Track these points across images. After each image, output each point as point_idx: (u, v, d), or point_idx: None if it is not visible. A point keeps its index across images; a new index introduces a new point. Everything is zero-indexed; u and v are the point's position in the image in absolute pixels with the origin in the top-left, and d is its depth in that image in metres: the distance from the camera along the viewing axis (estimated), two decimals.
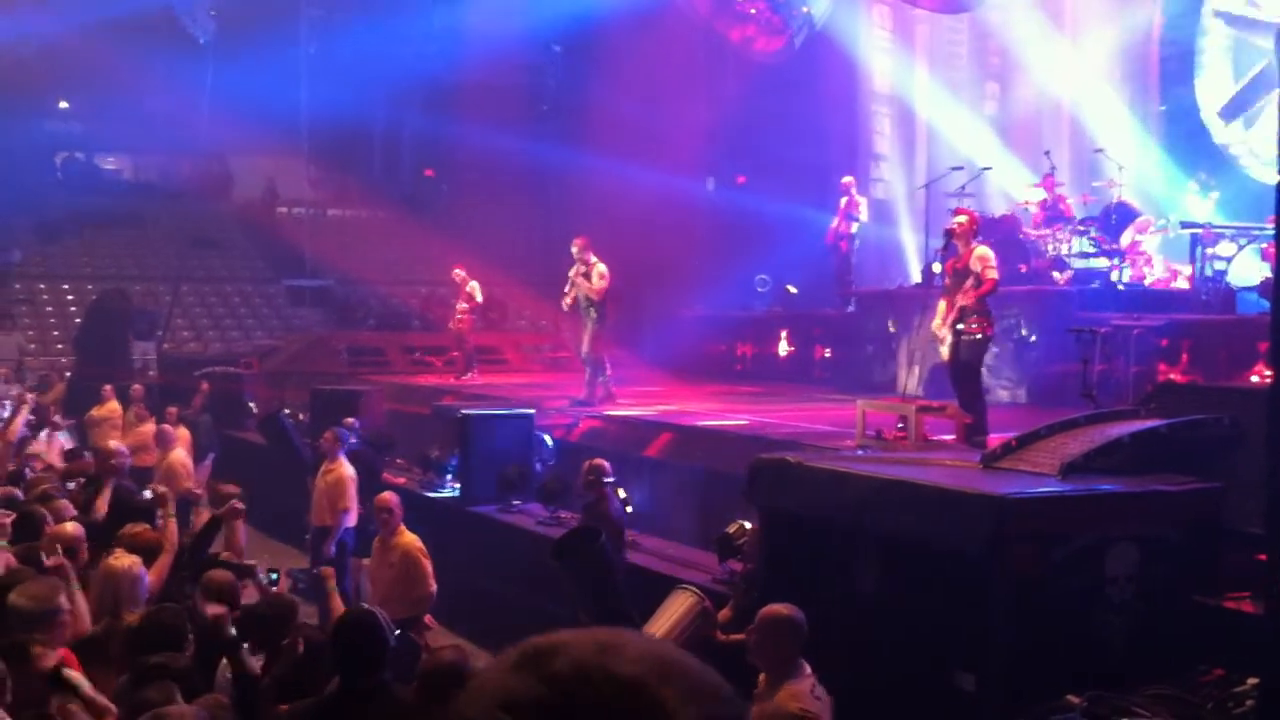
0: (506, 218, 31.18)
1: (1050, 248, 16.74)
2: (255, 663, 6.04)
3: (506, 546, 12.54)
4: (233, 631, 6.05)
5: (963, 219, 10.74)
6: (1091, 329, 11.94)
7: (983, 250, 10.63)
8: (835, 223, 19.13)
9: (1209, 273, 15.20)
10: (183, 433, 15.85)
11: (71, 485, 9.87)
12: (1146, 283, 16.46)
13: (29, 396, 12.13)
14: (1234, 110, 18.85)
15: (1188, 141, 19.34)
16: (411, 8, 32.64)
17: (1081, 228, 16.79)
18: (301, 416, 16.60)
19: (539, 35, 30.38)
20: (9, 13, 31.54)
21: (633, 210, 24.43)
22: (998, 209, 18.49)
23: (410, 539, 9.75)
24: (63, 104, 36.76)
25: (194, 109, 33.67)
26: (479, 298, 20.26)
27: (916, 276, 19.21)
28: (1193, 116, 19.44)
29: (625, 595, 8.05)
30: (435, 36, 32.33)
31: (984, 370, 11.33)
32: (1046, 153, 17.83)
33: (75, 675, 5.12)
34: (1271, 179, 16.91)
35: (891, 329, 16.99)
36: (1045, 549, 6.74)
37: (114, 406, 18.09)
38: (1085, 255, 16.73)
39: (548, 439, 14.23)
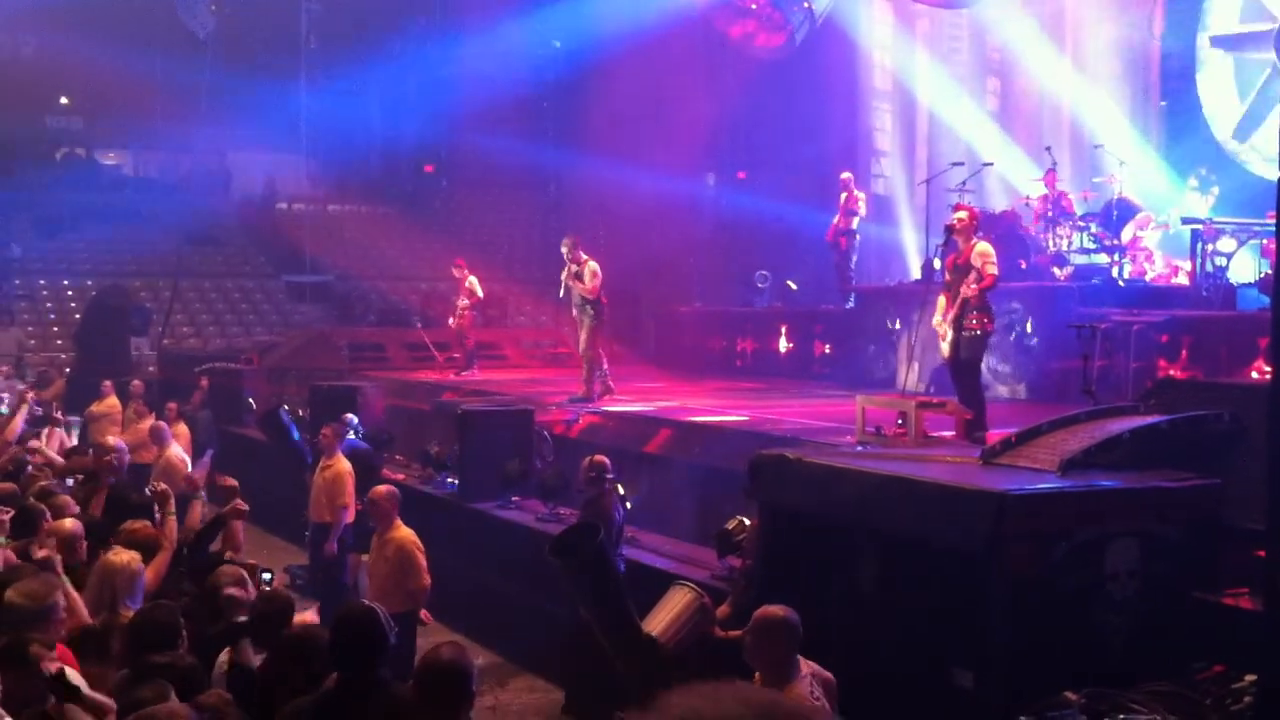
0: (506, 213, 31.21)
1: (1051, 243, 16.73)
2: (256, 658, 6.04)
3: (506, 543, 12.54)
4: (243, 618, 6.04)
5: (963, 215, 10.73)
6: (1092, 325, 11.92)
7: (983, 246, 10.61)
8: (835, 219, 19.11)
9: (1209, 269, 15.17)
10: (181, 429, 15.85)
11: (70, 481, 9.86)
12: (1147, 279, 16.45)
13: (30, 395, 12.10)
14: (1246, 129, 18.82)
15: (1188, 137, 19.32)
16: (411, 6, 32.66)
17: (1082, 223, 16.78)
18: (301, 412, 16.60)
19: (540, 32, 30.38)
20: (9, 10, 31.52)
21: (633, 206, 24.46)
22: (998, 205, 18.47)
23: (405, 533, 9.75)
24: (63, 100, 36.75)
25: (194, 105, 33.65)
26: (479, 293, 20.25)
27: (917, 273, 19.19)
28: (1194, 112, 19.43)
29: (624, 592, 8.04)
30: (434, 23, 32.34)
31: (984, 366, 11.32)
32: (1047, 148, 17.80)
33: (75, 677, 5.12)
34: (1272, 175, 16.91)
35: (892, 325, 16.98)
36: (1045, 546, 6.73)
37: (113, 402, 18.09)
38: (1086, 251, 16.72)
39: (547, 435, 14.22)
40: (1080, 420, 8.23)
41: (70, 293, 28.47)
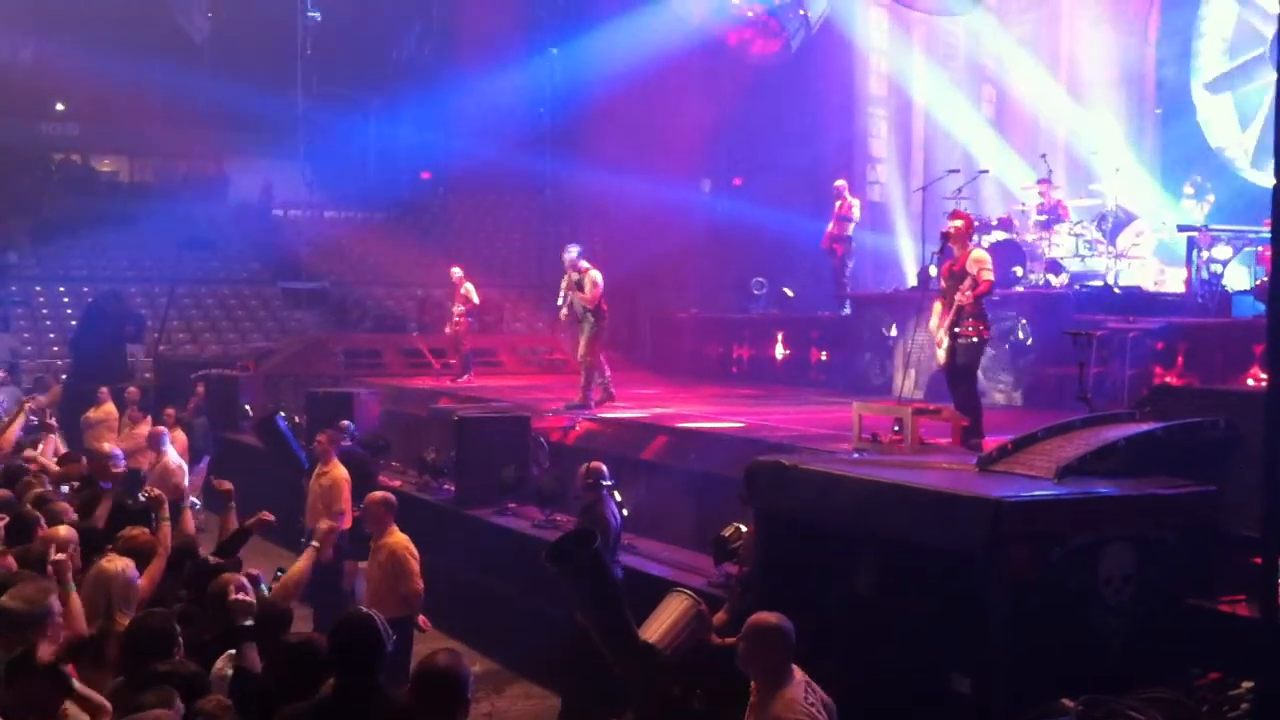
0: (503, 219, 31.22)
1: (1046, 250, 16.75)
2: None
3: (502, 549, 12.53)
4: (248, 622, 6.03)
5: (959, 222, 10.75)
6: (1087, 332, 11.93)
7: (978, 253, 10.64)
8: (830, 226, 19.14)
9: (1205, 276, 15.19)
10: (177, 435, 15.84)
11: (66, 489, 9.85)
12: (1143, 286, 16.47)
13: (30, 404, 12.08)
14: (1221, 85, 18.85)
15: (1184, 144, 19.36)
16: (409, 14, 32.69)
17: (1078, 230, 16.80)
18: (298, 419, 16.59)
19: (537, 41, 30.42)
20: (6, 16, 31.54)
21: (629, 213, 24.48)
22: (994, 211, 18.50)
23: (399, 538, 9.75)
24: (59, 106, 36.76)
25: (191, 111, 33.67)
26: (475, 299, 20.26)
27: (913, 279, 19.21)
28: (1189, 119, 19.46)
29: (621, 598, 8.04)
30: (431, 37, 32.40)
31: (980, 373, 11.33)
32: (1043, 156, 17.84)
33: (66, 671, 5.12)
34: (1267, 182, 16.94)
35: (888, 332, 17.00)
36: (1041, 552, 6.73)
37: (110, 409, 18.08)
38: (1081, 258, 16.74)
39: (544, 441, 14.22)
40: (1076, 427, 8.23)
41: (66, 299, 28.44)
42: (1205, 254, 15.21)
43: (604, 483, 10.13)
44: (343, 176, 34.27)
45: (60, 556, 6.55)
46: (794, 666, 5.91)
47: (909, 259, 21.25)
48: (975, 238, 11.19)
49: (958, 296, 10.47)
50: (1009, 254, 16.14)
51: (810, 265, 20.81)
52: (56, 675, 4.94)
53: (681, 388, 18.76)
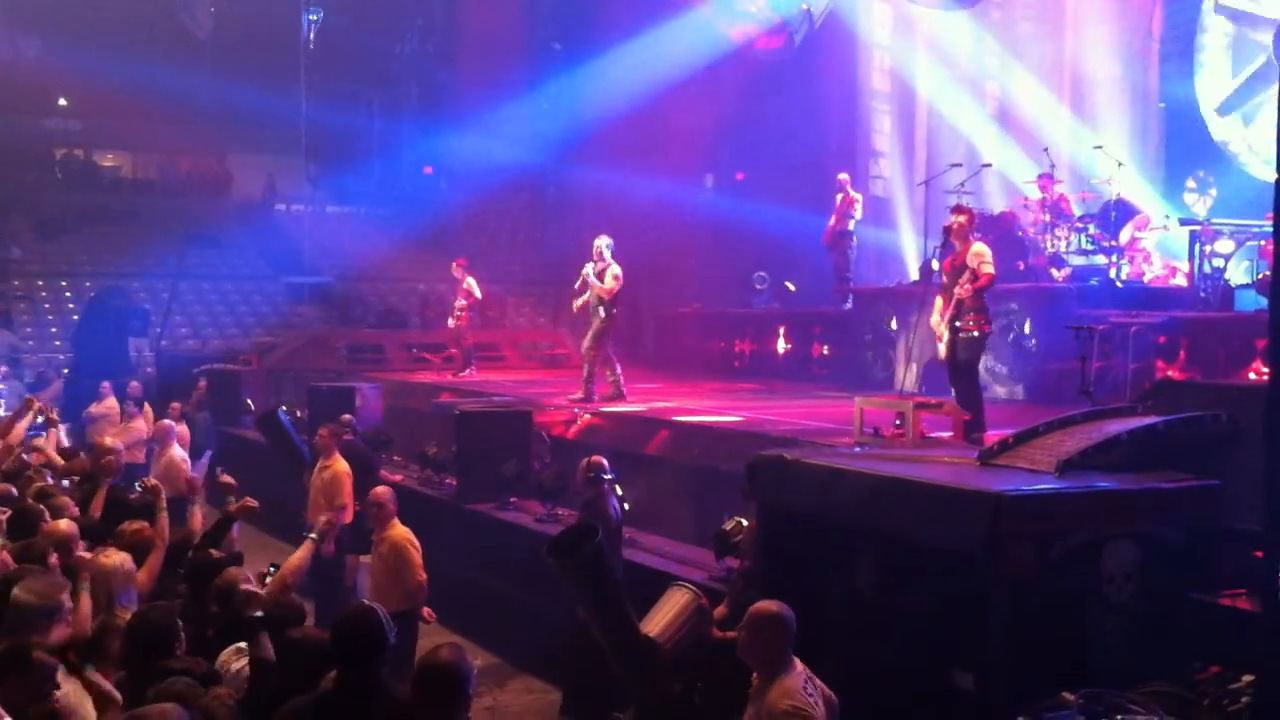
0: (505, 215, 31.22)
1: (1049, 245, 16.74)
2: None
3: (504, 544, 12.54)
4: (258, 613, 6.04)
5: (961, 217, 10.74)
6: (1090, 326, 11.94)
7: (979, 247, 10.63)
8: (831, 221, 19.12)
9: (1207, 270, 15.19)
10: (180, 429, 15.85)
11: (66, 483, 9.85)
12: (1145, 280, 16.47)
13: (38, 404, 12.07)
14: (1231, 105, 18.84)
15: (1186, 138, 19.33)
16: (411, 4, 32.68)
17: (1080, 225, 16.79)
18: (300, 413, 16.60)
19: (538, 35, 30.41)
20: (9, 13, 31.55)
21: (631, 208, 24.46)
22: (997, 206, 18.49)
23: (400, 531, 9.78)
24: (62, 102, 36.76)
25: (193, 106, 33.68)
26: (477, 294, 20.25)
27: (915, 274, 19.20)
28: (1192, 114, 19.43)
29: (622, 593, 8.04)
30: (434, 32, 32.39)
31: (982, 367, 11.32)
32: (1045, 150, 17.81)
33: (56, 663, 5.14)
34: (1270, 176, 16.91)
35: (889, 326, 16.99)
36: (1042, 547, 6.73)
37: (112, 403, 18.10)
38: (1084, 252, 16.73)
39: (545, 436, 14.22)
40: (1078, 421, 8.22)
41: (69, 294, 28.47)
42: (1208, 248, 15.21)
43: (605, 477, 10.14)
44: (345, 172, 34.27)
45: (83, 555, 6.58)
46: (795, 659, 5.91)
47: (911, 253, 21.23)
48: (977, 232, 11.16)
49: (957, 290, 10.46)
50: (1011, 248, 16.13)
51: (812, 260, 20.79)
52: (48, 668, 4.94)
53: (683, 382, 18.76)
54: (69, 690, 5.13)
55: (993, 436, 9.22)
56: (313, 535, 8.35)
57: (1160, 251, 17.10)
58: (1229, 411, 7.59)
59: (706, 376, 19.79)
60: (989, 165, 18.68)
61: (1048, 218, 16.89)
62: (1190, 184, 17.52)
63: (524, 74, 30.61)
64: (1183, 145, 19.34)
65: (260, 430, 15.23)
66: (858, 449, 9.86)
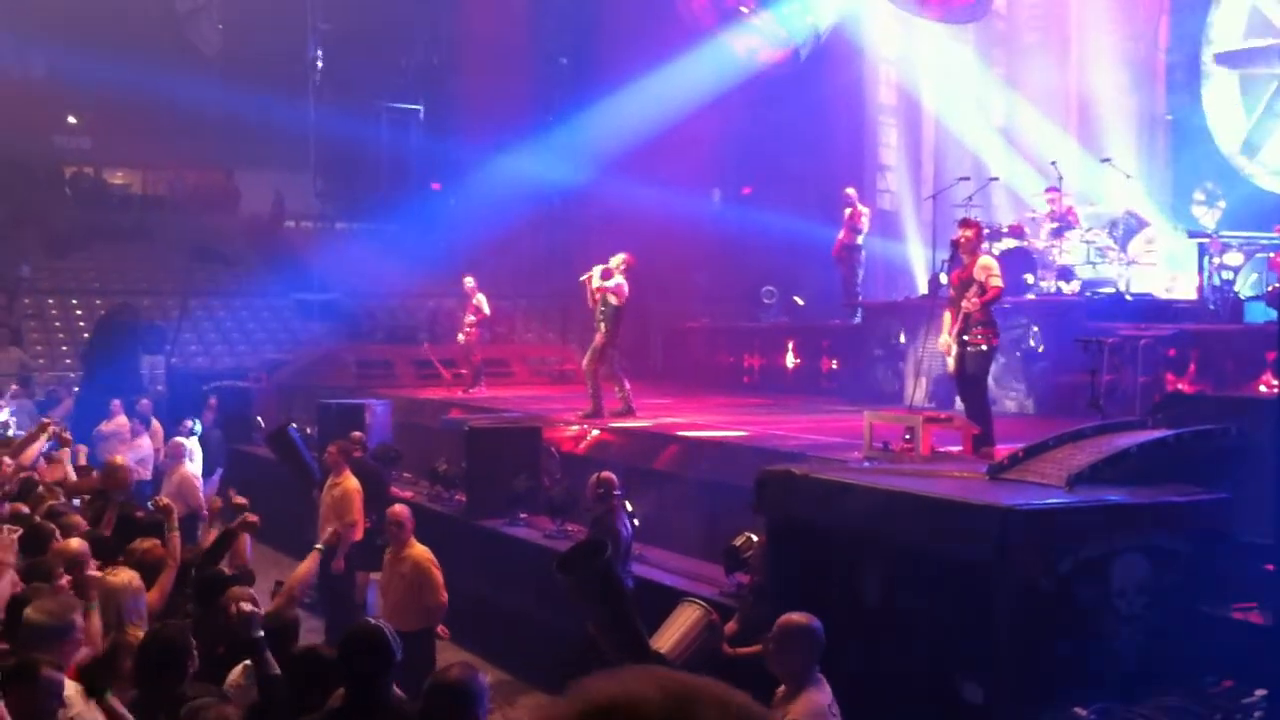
0: (513, 230, 31.22)
1: (1057, 257, 16.72)
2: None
3: (514, 560, 12.53)
4: (260, 633, 6.05)
5: (969, 231, 10.74)
6: (1099, 339, 11.92)
7: (986, 260, 10.63)
8: (841, 235, 19.12)
9: (1216, 282, 15.17)
10: (193, 446, 15.87)
11: (77, 501, 9.87)
12: (1154, 293, 16.43)
13: (52, 428, 12.09)
14: (1254, 145, 18.80)
15: (1195, 151, 19.32)
16: (418, 18, 32.75)
17: (1089, 237, 16.76)
18: (310, 430, 16.61)
19: (544, 49, 30.45)
20: (18, 30, 31.67)
21: (639, 222, 24.45)
22: (1005, 219, 18.47)
23: (421, 550, 9.76)
24: (72, 119, 36.89)
25: (201, 122, 33.77)
26: (486, 310, 20.25)
27: (923, 287, 19.16)
28: (1200, 126, 19.42)
29: (632, 608, 8.03)
30: (441, 48, 32.48)
31: (991, 381, 11.31)
32: (1053, 163, 17.80)
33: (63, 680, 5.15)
34: (1278, 188, 16.92)
35: (898, 340, 16.98)
36: (1052, 560, 6.73)
37: (122, 421, 18.10)
38: (1093, 265, 16.70)
39: (555, 452, 14.22)
40: (1088, 435, 8.23)
41: (79, 312, 28.52)
42: (1216, 260, 15.19)
43: (615, 493, 10.14)
44: (354, 188, 34.31)
45: (93, 574, 6.60)
46: (823, 678, 5.89)
47: (919, 267, 21.21)
48: (985, 245, 11.16)
49: (965, 304, 10.45)
50: (1020, 261, 16.11)
51: (820, 274, 20.79)
52: (55, 684, 4.95)
53: (692, 397, 18.75)
54: (81, 710, 5.14)
55: (1002, 450, 9.22)
56: (319, 546, 8.35)
57: (1169, 264, 17.08)
58: (1239, 424, 7.58)
59: (715, 391, 19.78)
60: (996, 179, 18.68)
61: (1057, 227, 16.86)
62: (1198, 196, 17.50)
63: (530, 89, 30.66)
64: (1190, 157, 19.32)
65: (270, 447, 15.24)
66: (867, 463, 9.87)
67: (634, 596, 8.60)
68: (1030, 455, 8.05)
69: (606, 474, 10.31)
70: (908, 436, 10.38)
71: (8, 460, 10.36)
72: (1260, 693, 6.25)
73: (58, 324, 28.34)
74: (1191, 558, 7.08)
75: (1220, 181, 18.00)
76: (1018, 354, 14.80)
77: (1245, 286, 15.22)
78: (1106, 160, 17.91)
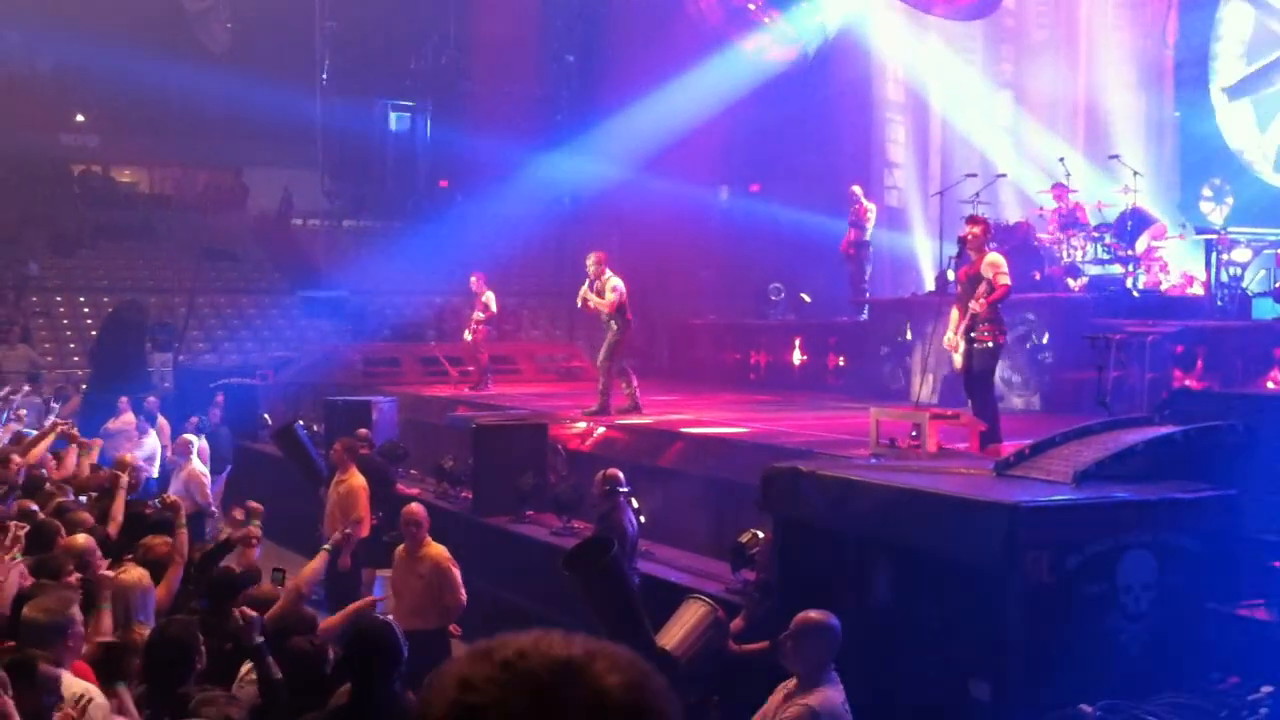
0: (520, 227, 31.24)
1: (1065, 254, 16.70)
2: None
3: (520, 557, 12.54)
4: (259, 638, 6.06)
5: (976, 228, 10.72)
6: (1106, 336, 11.91)
7: (994, 257, 10.60)
8: (850, 234, 19.10)
9: (1224, 279, 15.14)
10: (201, 443, 15.90)
11: (84, 499, 9.89)
12: (1161, 289, 16.41)
13: (60, 427, 12.11)
14: (1242, 90, 18.74)
15: (1203, 148, 19.28)
16: (426, 17, 32.74)
17: (1096, 234, 16.73)
18: (316, 427, 16.62)
19: (552, 48, 30.46)
20: (25, 28, 31.73)
21: (646, 219, 24.48)
22: (1012, 216, 18.45)
23: (439, 550, 9.68)
24: (79, 117, 36.95)
25: (209, 121, 33.81)
26: (494, 308, 20.22)
27: (930, 284, 19.17)
28: (1208, 122, 19.39)
29: (638, 605, 8.04)
30: (448, 46, 32.50)
31: (998, 378, 11.30)
32: (1061, 159, 17.78)
33: (95, 693, 5.16)
34: None
35: (905, 337, 16.97)
36: (1059, 557, 6.72)
37: (129, 418, 18.13)
38: (1100, 262, 16.68)
39: (561, 449, 14.22)
40: (1095, 431, 8.22)
41: (86, 310, 28.57)
42: (1224, 257, 15.16)
43: (621, 490, 10.13)
44: (361, 185, 34.34)
45: (105, 572, 6.61)
46: (836, 676, 5.89)
47: (927, 263, 21.21)
48: (992, 242, 11.14)
49: (972, 304, 10.43)
50: (1027, 258, 16.09)
51: (827, 271, 20.77)
52: (52, 680, 4.96)
53: (699, 394, 18.75)
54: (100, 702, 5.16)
55: (1009, 447, 9.21)
56: (327, 546, 8.36)
57: (1177, 260, 17.05)
58: (1246, 421, 7.57)
59: (722, 388, 19.77)
60: (1004, 175, 18.65)
61: (1064, 224, 16.84)
62: (1206, 192, 17.47)
63: (538, 88, 30.67)
64: (1198, 154, 19.29)
65: (277, 444, 15.27)
66: (873, 460, 9.86)
67: (640, 593, 8.60)
68: (1037, 452, 8.05)
69: (612, 471, 10.31)
70: (914, 433, 10.37)
71: (16, 458, 10.39)
72: (1266, 689, 6.24)
73: (65, 322, 28.40)
74: (1198, 555, 7.06)
75: (1228, 178, 17.96)
76: (1025, 351, 14.79)
77: (1253, 283, 15.19)
78: (1114, 157, 17.88)
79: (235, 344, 28.67)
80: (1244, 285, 15.07)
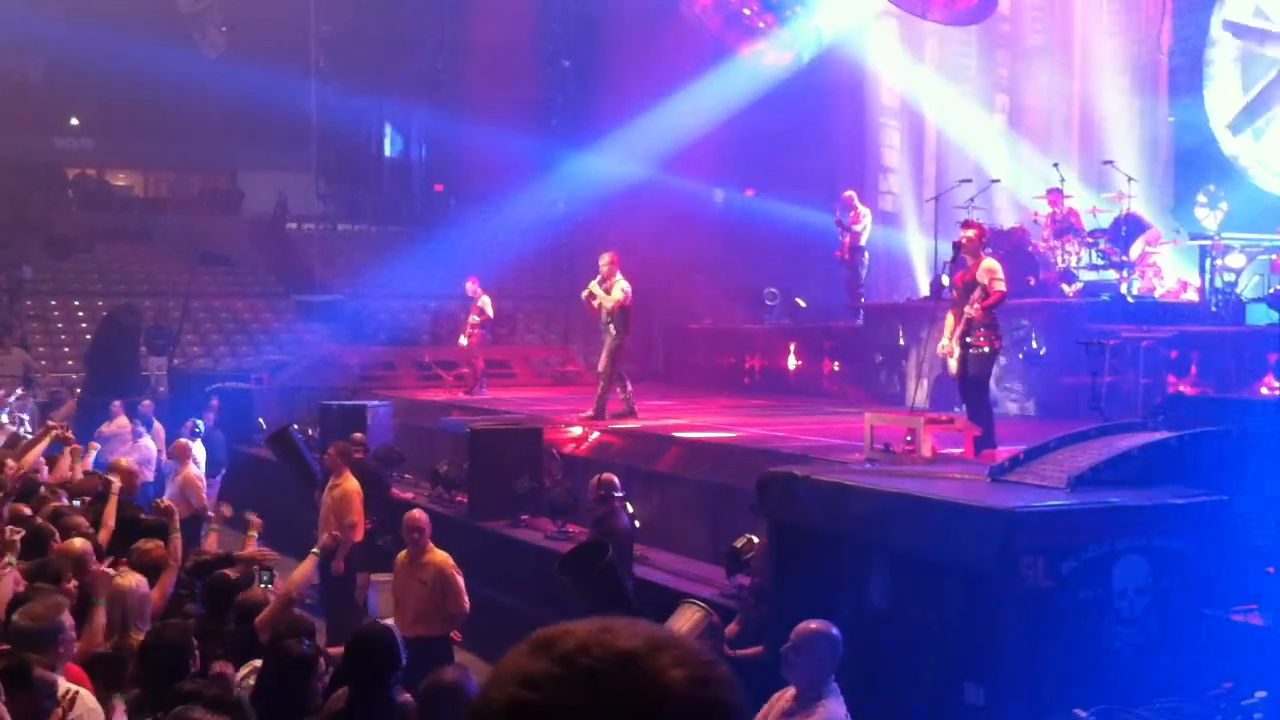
0: (515, 231, 31.26)
1: (1059, 260, 16.71)
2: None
3: (515, 561, 12.54)
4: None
5: (971, 233, 10.74)
6: (1101, 341, 11.93)
7: (990, 262, 10.62)
8: (846, 238, 19.10)
9: (1218, 284, 15.16)
10: (197, 447, 15.87)
11: (78, 503, 9.87)
12: (1156, 295, 16.42)
13: (56, 431, 12.09)
14: (1243, 123, 18.79)
15: (1196, 153, 19.29)
16: (422, 22, 32.76)
17: (1091, 240, 16.75)
18: (311, 431, 16.61)
19: (547, 52, 30.49)
20: (19, 32, 31.70)
21: (642, 223, 24.47)
22: (1007, 221, 18.47)
23: (442, 556, 9.61)
24: (74, 121, 36.94)
25: (204, 124, 33.82)
26: (490, 312, 20.21)
27: (925, 289, 19.16)
28: (1202, 128, 19.39)
29: (634, 610, 8.04)
30: (444, 50, 32.51)
31: (993, 383, 11.31)
32: (1055, 165, 17.81)
33: (90, 699, 5.15)
34: None
35: (900, 342, 16.98)
36: (1054, 562, 6.73)
37: (123, 422, 18.08)
38: (1095, 267, 16.70)
39: (556, 453, 14.22)
40: (1089, 437, 8.23)
41: (81, 314, 28.55)
42: (1219, 262, 15.17)
43: (616, 494, 10.14)
44: (356, 189, 34.36)
45: (100, 571, 6.61)
46: (837, 688, 5.88)
47: (922, 268, 21.21)
48: (987, 247, 11.15)
49: (968, 309, 10.44)
50: (1022, 264, 16.11)
51: (823, 275, 20.79)
52: (47, 685, 4.96)
53: (694, 399, 18.76)
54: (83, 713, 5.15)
55: (1004, 452, 9.22)
56: (315, 550, 8.34)
57: (1171, 266, 17.07)
58: (1240, 426, 7.59)
59: (717, 393, 19.78)
60: (998, 181, 18.67)
61: (1058, 229, 16.85)
62: (1200, 198, 17.44)
63: (533, 92, 30.68)
64: (1193, 159, 19.29)
65: (272, 448, 15.25)
66: (868, 465, 9.86)
67: (635, 598, 8.60)
68: (1032, 457, 8.06)
69: (608, 475, 10.32)
70: (909, 438, 10.37)
71: (11, 462, 10.38)
72: (1260, 694, 6.25)
73: (60, 326, 28.38)
74: (1193, 560, 7.07)
75: (1222, 184, 17.96)
76: (1019, 356, 14.80)
77: (1247, 288, 15.21)
78: (1108, 163, 17.90)
79: (230, 348, 28.66)
80: (1238, 291, 15.08)
